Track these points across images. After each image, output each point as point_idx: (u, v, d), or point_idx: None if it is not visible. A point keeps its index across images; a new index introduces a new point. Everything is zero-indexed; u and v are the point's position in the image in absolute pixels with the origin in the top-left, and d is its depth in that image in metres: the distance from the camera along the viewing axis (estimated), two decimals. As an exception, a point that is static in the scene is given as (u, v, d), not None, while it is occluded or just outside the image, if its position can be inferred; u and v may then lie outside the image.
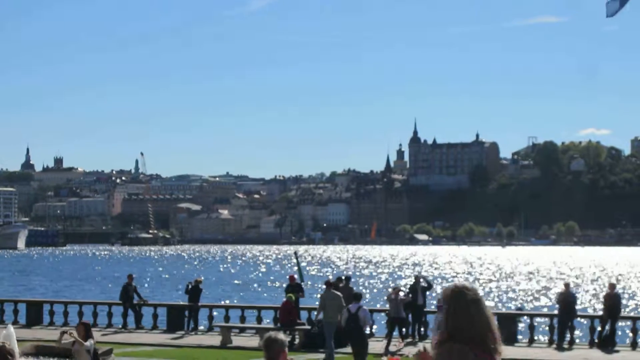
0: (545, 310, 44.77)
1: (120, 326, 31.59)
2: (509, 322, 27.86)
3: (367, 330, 24.21)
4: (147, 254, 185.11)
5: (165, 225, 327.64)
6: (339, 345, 23.48)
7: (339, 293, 23.78)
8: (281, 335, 7.00)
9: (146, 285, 70.02)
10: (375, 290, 67.32)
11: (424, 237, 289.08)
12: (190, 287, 30.89)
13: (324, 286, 24.38)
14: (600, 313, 27.76)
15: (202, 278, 32.98)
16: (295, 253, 36.05)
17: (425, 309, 28.00)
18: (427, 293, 28.79)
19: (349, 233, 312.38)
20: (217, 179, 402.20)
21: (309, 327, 26.83)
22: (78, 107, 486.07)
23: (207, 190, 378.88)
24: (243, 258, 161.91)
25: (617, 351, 25.66)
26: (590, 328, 27.25)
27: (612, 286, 27.73)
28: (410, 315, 27.44)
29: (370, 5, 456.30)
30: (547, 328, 28.28)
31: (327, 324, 23.14)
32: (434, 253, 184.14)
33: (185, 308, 31.10)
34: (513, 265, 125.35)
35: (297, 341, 25.84)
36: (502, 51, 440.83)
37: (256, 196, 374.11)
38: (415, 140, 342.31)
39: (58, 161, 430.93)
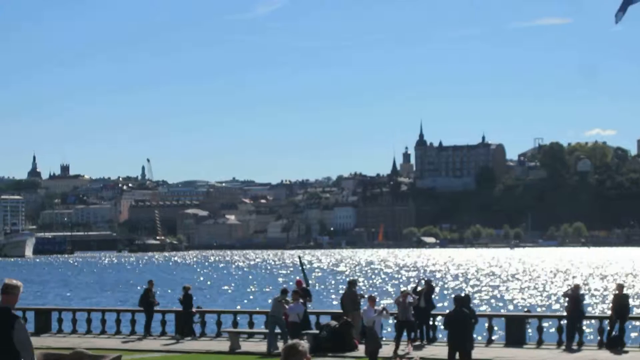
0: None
1: (128, 333, 31.62)
2: (517, 324, 27.87)
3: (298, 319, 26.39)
4: (156, 260, 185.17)
5: (173, 232, 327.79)
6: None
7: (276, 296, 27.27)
8: (303, 345, 6.59)
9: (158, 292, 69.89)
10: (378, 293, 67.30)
11: (431, 239, 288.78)
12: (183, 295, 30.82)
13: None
14: (609, 314, 27.69)
15: (190, 285, 32.47)
16: (300, 258, 36.04)
17: (431, 312, 27.98)
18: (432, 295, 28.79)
19: (356, 237, 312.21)
20: (224, 184, 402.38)
21: (317, 331, 26.86)
22: (84, 114, 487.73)
23: (214, 195, 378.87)
24: (250, 263, 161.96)
25: (626, 352, 25.59)
26: (599, 329, 27.20)
27: (620, 287, 27.67)
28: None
29: (375, 8, 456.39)
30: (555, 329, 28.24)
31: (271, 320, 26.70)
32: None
33: (188, 315, 30.89)
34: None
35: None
36: (507, 53, 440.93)
37: (263, 201, 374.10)
38: (421, 142, 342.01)
39: (64, 169, 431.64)
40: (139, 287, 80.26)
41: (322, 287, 76.97)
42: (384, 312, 23.14)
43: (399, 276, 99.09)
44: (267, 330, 28.55)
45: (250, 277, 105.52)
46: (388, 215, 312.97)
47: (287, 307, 25.95)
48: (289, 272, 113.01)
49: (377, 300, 24.00)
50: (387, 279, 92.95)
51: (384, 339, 23.58)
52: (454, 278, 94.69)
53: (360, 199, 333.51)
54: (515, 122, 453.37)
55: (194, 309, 30.86)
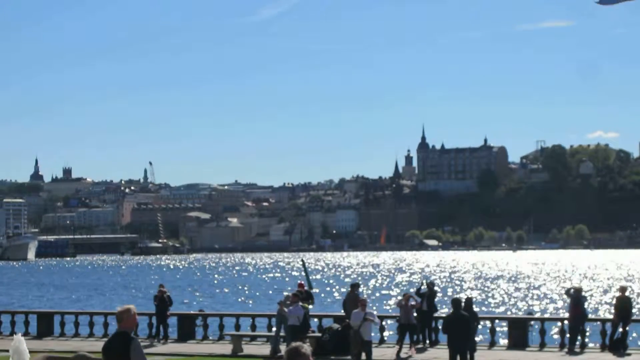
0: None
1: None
2: (519, 326, 27.85)
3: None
4: (161, 263, 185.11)
5: (175, 234, 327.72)
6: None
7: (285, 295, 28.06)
8: (306, 348, 6.68)
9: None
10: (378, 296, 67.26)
11: (433, 242, 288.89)
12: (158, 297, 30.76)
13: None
14: (612, 316, 27.65)
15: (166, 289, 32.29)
16: (302, 261, 36.03)
17: (434, 315, 27.94)
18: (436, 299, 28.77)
19: (358, 240, 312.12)
20: (226, 187, 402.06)
21: (319, 334, 26.84)
22: (86, 116, 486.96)
23: (216, 198, 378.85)
24: (252, 266, 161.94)
25: (629, 354, 25.57)
26: (602, 332, 27.17)
27: (623, 289, 27.64)
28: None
29: (378, 11, 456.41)
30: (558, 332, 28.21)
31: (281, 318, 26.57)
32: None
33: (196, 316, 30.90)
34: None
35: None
36: (510, 55, 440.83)
37: (265, 204, 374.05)
38: (423, 145, 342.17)
39: (67, 172, 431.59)
40: (134, 290, 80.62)
41: (327, 288, 76.92)
42: (370, 320, 23.09)
43: (401, 279, 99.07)
44: (270, 333, 28.55)
45: (252, 279, 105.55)
46: (390, 218, 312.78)
47: (286, 309, 25.87)
48: (298, 274, 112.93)
49: (368, 304, 23.97)
50: (388, 282, 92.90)
51: (372, 340, 23.58)
52: (449, 280, 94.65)
53: (362, 201, 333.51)
54: (518, 124, 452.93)
55: (168, 313, 30.83)
